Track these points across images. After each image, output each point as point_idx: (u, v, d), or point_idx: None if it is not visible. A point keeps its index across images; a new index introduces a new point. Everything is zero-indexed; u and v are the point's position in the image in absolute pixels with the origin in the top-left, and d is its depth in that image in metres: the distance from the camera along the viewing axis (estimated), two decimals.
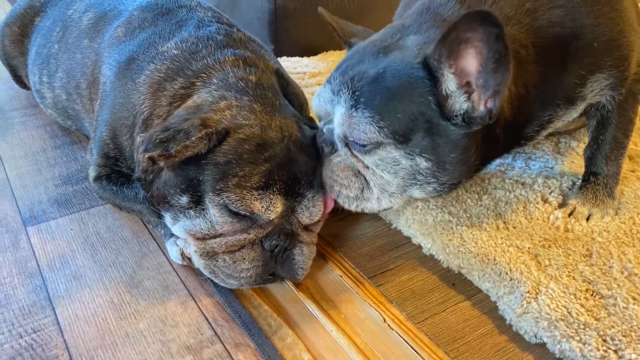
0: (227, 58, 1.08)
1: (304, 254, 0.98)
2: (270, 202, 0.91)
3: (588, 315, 0.88)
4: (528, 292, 0.92)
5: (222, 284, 0.97)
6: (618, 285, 0.94)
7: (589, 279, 0.96)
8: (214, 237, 0.94)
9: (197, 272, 1.04)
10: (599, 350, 0.83)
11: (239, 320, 0.95)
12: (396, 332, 0.92)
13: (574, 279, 0.96)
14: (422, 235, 1.10)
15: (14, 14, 1.60)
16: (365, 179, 0.95)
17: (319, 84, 1.75)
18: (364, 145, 0.90)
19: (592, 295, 0.93)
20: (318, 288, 1.03)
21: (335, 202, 1.00)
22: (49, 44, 1.44)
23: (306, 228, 1.00)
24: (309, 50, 2.08)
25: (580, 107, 1.05)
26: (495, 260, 1.00)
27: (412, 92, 0.86)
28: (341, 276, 1.05)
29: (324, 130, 0.98)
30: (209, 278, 1.01)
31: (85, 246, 1.12)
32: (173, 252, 1.05)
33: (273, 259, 0.95)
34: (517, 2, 0.94)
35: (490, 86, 0.82)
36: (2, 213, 1.23)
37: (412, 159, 0.89)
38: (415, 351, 0.89)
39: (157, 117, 1.06)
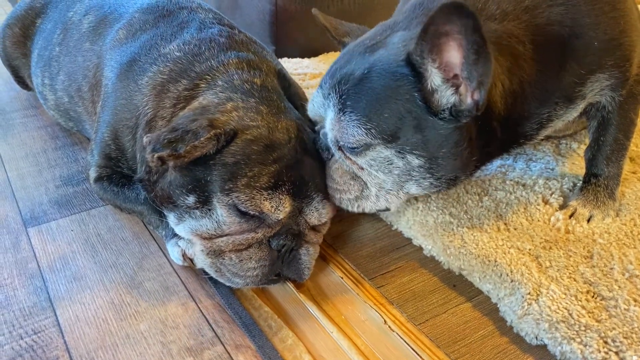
0: (230, 60, 1.08)
1: (309, 254, 0.99)
2: (280, 202, 0.91)
3: (589, 317, 0.88)
4: (529, 293, 0.92)
5: (228, 283, 0.97)
6: (619, 287, 0.94)
7: (590, 280, 0.96)
8: (221, 236, 0.94)
9: (197, 273, 1.05)
10: (600, 352, 0.82)
11: (239, 321, 0.95)
12: (397, 333, 0.92)
13: (575, 280, 0.96)
14: (423, 237, 1.10)
15: (15, 15, 1.60)
16: (362, 180, 0.95)
17: None
18: (354, 148, 0.90)
19: (593, 297, 0.93)
20: (319, 289, 1.03)
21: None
22: (50, 46, 1.44)
23: (313, 228, 1.01)
24: (309, 51, 2.08)
25: (580, 107, 1.05)
26: (496, 261, 1.00)
27: (397, 90, 0.86)
28: (342, 277, 1.05)
29: (320, 135, 0.99)
30: (209, 279, 1.01)
31: (86, 247, 1.12)
32: (174, 253, 1.05)
33: (280, 258, 0.95)
34: None
35: (474, 77, 0.82)
36: (3, 214, 1.23)
37: (403, 157, 0.89)
38: (416, 353, 0.89)
39: (160, 118, 1.06)
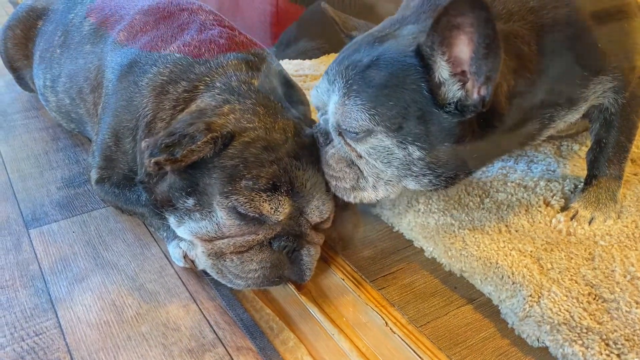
0: (229, 62, 1.08)
1: (311, 255, 0.99)
2: (279, 204, 0.91)
3: (591, 319, 0.88)
4: (530, 295, 0.92)
5: (229, 285, 0.97)
6: (621, 289, 0.94)
7: (591, 282, 0.96)
8: (222, 237, 0.94)
9: (199, 275, 1.05)
10: (601, 354, 0.82)
11: (240, 323, 0.95)
12: (398, 335, 0.92)
13: (576, 282, 0.95)
14: (424, 239, 1.10)
15: (16, 17, 1.61)
16: (359, 168, 0.95)
17: None
18: (356, 133, 0.90)
19: (594, 299, 0.93)
20: (320, 291, 1.03)
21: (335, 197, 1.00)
22: (51, 48, 1.44)
23: (315, 227, 1.01)
24: (310, 53, 2.08)
25: (583, 109, 1.05)
26: (497, 263, 1.00)
27: (405, 80, 0.86)
28: (343, 279, 1.05)
29: (320, 121, 0.99)
30: (211, 281, 1.01)
31: (87, 249, 1.12)
32: (175, 255, 1.05)
33: (281, 260, 0.95)
34: None
35: (482, 72, 0.81)
36: (5, 215, 1.23)
37: (404, 148, 0.89)
38: (417, 355, 0.88)
39: (160, 120, 1.06)
